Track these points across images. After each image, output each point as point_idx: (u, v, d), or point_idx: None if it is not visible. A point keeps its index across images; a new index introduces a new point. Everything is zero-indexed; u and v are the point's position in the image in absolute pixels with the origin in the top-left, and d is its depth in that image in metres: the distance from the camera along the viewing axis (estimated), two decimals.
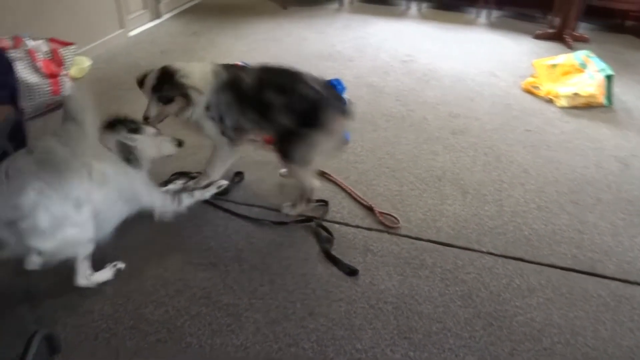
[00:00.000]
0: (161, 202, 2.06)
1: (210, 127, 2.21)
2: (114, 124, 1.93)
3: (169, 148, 2.11)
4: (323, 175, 2.56)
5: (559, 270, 2.09)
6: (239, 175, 2.54)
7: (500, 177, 2.70)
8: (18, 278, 1.87)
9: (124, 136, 1.92)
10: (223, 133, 2.22)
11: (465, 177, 2.68)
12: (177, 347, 1.67)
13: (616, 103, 3.60)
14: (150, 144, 2.01)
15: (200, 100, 2.13)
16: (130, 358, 1.62)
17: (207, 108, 2.15)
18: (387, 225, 2.29)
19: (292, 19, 5.22)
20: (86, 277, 1.82)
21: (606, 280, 2.05)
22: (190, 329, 1.73)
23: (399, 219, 2.31)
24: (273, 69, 2.20)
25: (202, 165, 2.41)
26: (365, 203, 2.42)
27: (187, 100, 2.12)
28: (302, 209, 2.32)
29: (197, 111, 2.15)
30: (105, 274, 1.90)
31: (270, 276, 1.97)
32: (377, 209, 2.36)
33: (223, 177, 2.40)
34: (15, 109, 2.09)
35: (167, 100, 2.13)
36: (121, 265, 1.96)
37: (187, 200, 2.19)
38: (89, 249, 1.78)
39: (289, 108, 2.07)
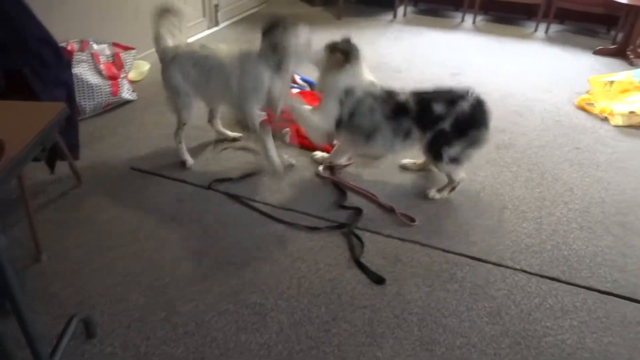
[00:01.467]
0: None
1: (331, 107, 2.44)
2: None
3: (315, 55, 2.47)
4: (339, 183, 2.62)
5: (596, 293, 2.01)
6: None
7: (543, 194, 2.62)
8: (61, 264, 2.02)
9: (282, 32, 2.34)
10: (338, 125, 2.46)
11: (505, 193, 2.62)
12: (203, 340, 1.73)
13: None
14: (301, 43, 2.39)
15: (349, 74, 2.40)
16: (159, 347, 1.70)
17: (346, 94, 2.41)
18: (405, 222, 2.36)
19: (344, 29, 5.28)
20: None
21: None
22: (217, 324, 1.80)
23: (416, 219, 2.36)
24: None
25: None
26: (386, 205, 2.45)
27: (343, 60, 2.40)
28: (446, 194, 2.56)
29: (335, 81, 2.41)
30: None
31: (298, 279, 2.01)
32: (398, 210, 2.41)
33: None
34: (69, 107, 2.26)
35: (331, 50, 2.45)
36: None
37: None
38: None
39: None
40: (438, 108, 2.34)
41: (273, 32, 2.35)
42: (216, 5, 5.08)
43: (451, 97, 2.37)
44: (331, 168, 2.73)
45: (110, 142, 2.92)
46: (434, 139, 2.39)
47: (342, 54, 2.41)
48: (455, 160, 2.42)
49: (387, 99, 2.41)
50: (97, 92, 3.12)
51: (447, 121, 2.34)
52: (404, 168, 2.81)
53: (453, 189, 2.56)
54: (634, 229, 2.39)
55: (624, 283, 2.06)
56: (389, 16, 5.85)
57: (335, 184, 2.61)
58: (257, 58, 2.40)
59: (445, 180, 2.57)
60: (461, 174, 2.52)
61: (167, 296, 1.90)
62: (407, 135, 2.43)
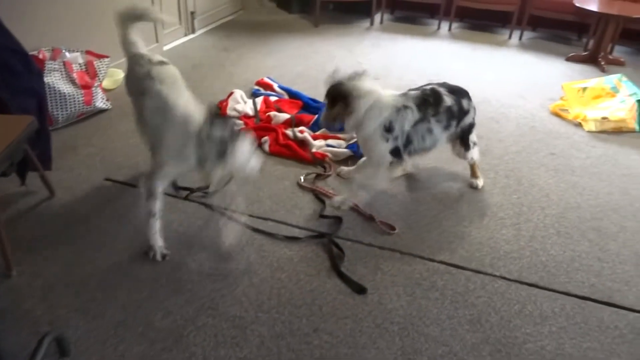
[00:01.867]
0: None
1: (382, 148, 2.36)
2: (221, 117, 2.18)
3: (255, 164, 2.05)
4: (319, 192, 2.60)
5: (574, 298, 2.03)
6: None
7: (520, 200, 2.65)
8: (34, 279, 1.96)
9: (231, 127, 1.96)
10: (395, 154, 2.39)
11: (484, 199, 2.64)
12: (181, 356, 1.69)
13: None
14: (246, 149, 2.00)
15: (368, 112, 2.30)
16: None
17: (388, 129, 2.32)
18: (385, 230, 2.35)
19: (322, 36, 5.30)
20: None
21: (624, 311, 1.98)
22: (196, 339, 1.76)
23: (396, 227, 2.36)
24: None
25: None
26: (366, 214, 2.44)
27: (348, 106, 2.30)
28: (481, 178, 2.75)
29: (369, 126, 2.31)
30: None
31: (278, 290, 1.99)
32: (378, 218, 2.41)
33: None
34: (39, 118, 2.19)
35: (331, 102, 2.36)
36: None
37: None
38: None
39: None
40: (465, 104, 2.50)
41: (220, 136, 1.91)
42: (192, 13, 5.04)
43: (467, 93, 2.56)
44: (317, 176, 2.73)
45: (84, 153, 2.85)
46: (464, 131, 2.57)
47: (342, 101, 2.31)
48: (475, 144, 2.65)
49: (435, 111, 2.40)
50: (70, 102, 3.05)
51: (472, 115, 2.56)
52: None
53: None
54: (608, 234, 2.43)
55: (600, 287, 2.09)
56: (366, 23, 5.87)
57: (315, 194, 2.60)
58: (195, 138, 1.92)
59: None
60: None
61: (144, 310, 1.86)
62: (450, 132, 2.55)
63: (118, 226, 2.28)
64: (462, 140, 2.60)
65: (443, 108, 2.41)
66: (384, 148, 2.36)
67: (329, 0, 5.86)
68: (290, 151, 2.93)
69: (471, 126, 2.60)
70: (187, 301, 1.91)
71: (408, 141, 2.39)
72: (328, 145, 3.00)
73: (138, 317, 1.83)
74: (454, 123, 2.48)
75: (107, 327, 1.78)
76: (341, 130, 3.02)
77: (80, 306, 1.86)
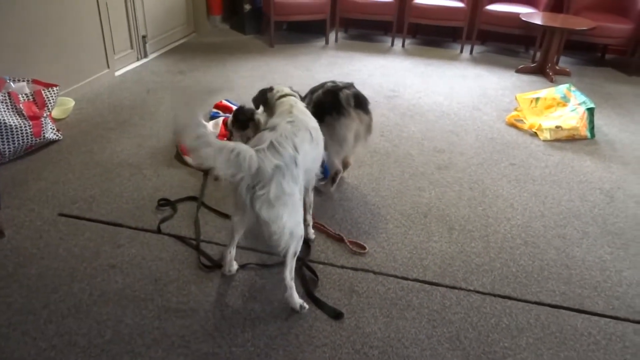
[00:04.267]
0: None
1: None
2: None
3: None
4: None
5: (547, 307, 2.05)
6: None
7: (486, 212, 2.68)
8: None
9: None
10: None
11: (451, 213, 2.65)
12: None
13: (599, 135, 3.64)
14: None
15: None
16: None
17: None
18: (355, 251, 2.32)
19: (278, 56, 5.28)
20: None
21: (595, 317, 2.01)
22: None
23: (366, 246, 2.33)
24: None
25: None
26: (335, 235, 2.41)
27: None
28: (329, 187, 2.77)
29: None
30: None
31: (252, 321, 1.91)
32: (347, 238, 2.38)
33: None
34: None
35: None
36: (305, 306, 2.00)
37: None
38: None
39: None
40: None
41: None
42: (144, 37, 4.92)
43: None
44: None
45: (35, 187, 2.69)
46: None
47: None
48: None
49: None
50: (17, 134, 2.89)
51: None
52: None
53: (332, 179, 2.77)
54: (573, 240, 2.48)
55: (571, 295, 2.12)
56: (321, 42, 5.91)
57: None
58: None
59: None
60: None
61: (109, 355, 1.74)
62: None
63: (76, 265, 2.15)
64: None
65: None
66: None
67: (283, 20, 5.87)
68: None
69: None
70: (154, 340, 1.80)
71: None
72: None
73: None
74: None
75: None
76: None
77: (38, 355, 1.72)
